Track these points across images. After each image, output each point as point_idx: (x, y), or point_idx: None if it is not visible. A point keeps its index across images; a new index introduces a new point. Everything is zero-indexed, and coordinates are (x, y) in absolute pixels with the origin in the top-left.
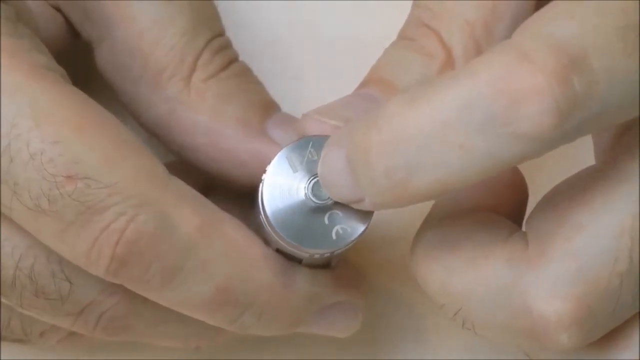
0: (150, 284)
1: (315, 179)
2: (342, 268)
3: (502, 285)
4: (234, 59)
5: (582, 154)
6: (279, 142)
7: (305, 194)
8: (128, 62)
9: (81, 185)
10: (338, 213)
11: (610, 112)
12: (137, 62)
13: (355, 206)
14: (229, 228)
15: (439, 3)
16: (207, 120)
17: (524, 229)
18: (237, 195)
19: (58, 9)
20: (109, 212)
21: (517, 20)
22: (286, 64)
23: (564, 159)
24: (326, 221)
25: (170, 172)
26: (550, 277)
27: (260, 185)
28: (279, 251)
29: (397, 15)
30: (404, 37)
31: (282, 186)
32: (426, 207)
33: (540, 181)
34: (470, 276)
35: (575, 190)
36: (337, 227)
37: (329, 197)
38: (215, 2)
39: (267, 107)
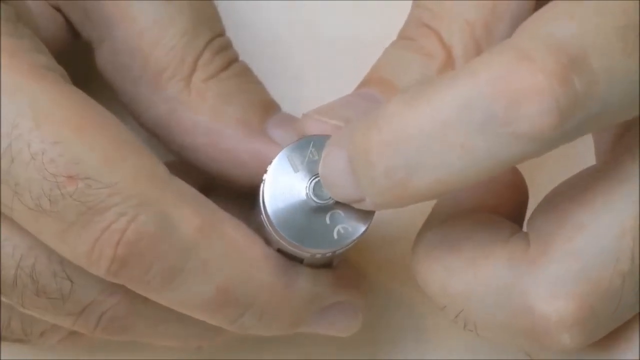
0: (151, 284)
1: (317, 179)
2: (342, 268)
3: (503, 286)
4: (234, 59)
5: (583, 154)
6: (279, 142)
7: (307, 193)
8: (128, 62)
9: (82, 185)
10: (339, 213)
11: (610, 112)
12: (137, 62)
13: (356, 206)
14: (230, 228)
15: (439, 3)
16: (207, 120)
17: (524, 229)
18: (237, 195)
19: (58, 9)
20: (109, 213)
21: (517, 20)
22: (286, 64)
23: (564, 159)
24: (327, 221)
25: (171, 172)
26: (552, 277)
27: (262, 185)
28: (280, 251)
29: (397, 15)
30: (404, 37)
31: (283, 186)
32: (427, 207)
33: (541, 181)
34: (470, 276)
35: (576, 190)
36: (339, 227)
37: (330, 197)
38: (215, 2)
39: (268, 107)
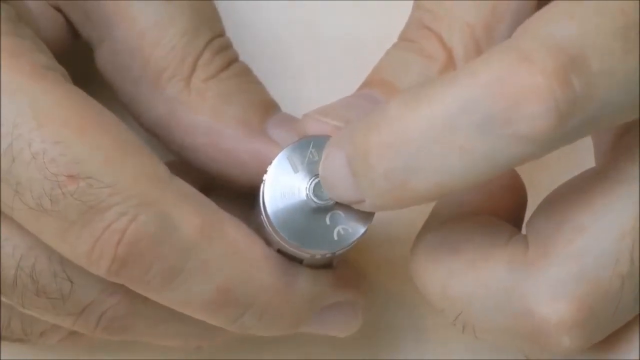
0: (151, 284)
1: (317, 180)
2: (342, 268)
3: (503, 288)
4: (234, 59)
5: (583, 155)
6: (279, 142)
7: (307, 194)
8: (128, 62)
9: (83, 184)
10: (339, 213)
11: (610, 113)
12: (137, 63)
13: (356, 207)
14: (230, 228)
15: (439, 4)
16: (207, 120)
17: (523, 232)
18: (237, 195)
19: (58, 9)
20: (110, 212)
21: (518, 21)
22: (286, 64)
23: (564, 161)
24: (327, 221)
25: (171, 172)
26: (552, 279)
27: (262, 185)
28: (280, 251)
29: (398, 15)
30: (405, 38)
31: (283, 186)
32: (427, 207)
33: (541, 183)
34: (470, 279)
35: (575, 192)
36: (339, 228)
37: (330, 198)
38: (215, 2)
39: (268, 107)
